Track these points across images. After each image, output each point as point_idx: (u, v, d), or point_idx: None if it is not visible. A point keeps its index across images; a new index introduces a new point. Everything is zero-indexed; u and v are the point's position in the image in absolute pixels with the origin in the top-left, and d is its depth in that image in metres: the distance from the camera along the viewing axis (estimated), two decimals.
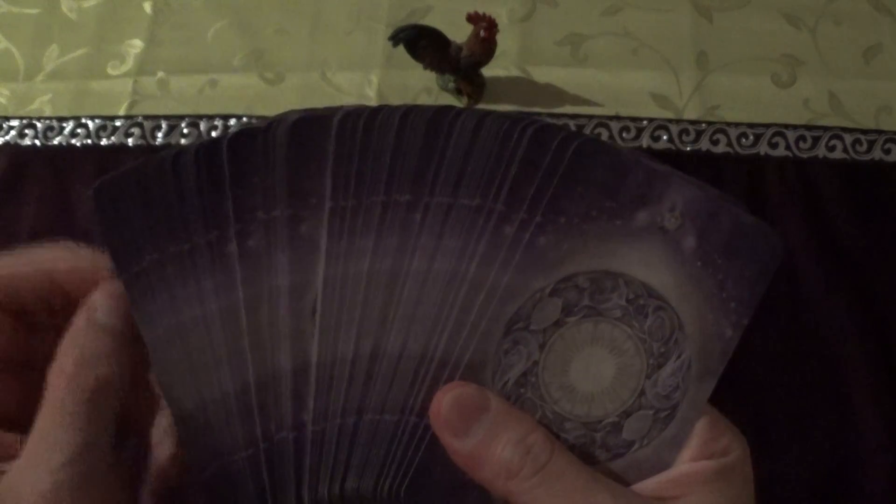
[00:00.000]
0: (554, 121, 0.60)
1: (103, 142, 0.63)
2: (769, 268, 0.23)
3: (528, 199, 0.23)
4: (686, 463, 0.24)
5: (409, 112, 0.22)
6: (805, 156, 0.59)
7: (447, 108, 0.22)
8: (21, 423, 0.23)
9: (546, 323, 0.23)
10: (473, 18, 0.57)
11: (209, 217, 0.22)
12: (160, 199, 0.22)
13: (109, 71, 0.66)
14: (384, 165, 0.22)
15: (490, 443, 0.23)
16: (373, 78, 0.64)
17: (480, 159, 0.22)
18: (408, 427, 0.24)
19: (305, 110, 0.22)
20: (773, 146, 0.59)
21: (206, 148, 0.22)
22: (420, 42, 0.58)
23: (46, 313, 0.24)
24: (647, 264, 0.23)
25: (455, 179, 0.22)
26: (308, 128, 0.22)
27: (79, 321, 0.23)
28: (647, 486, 0.24)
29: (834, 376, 0.53)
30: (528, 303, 0.23)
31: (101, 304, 0.23)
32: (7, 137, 0.64)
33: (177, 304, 0.23)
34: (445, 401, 0.23)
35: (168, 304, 0.23)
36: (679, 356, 0.24)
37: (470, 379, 0.24)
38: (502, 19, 0.61)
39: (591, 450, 0.24)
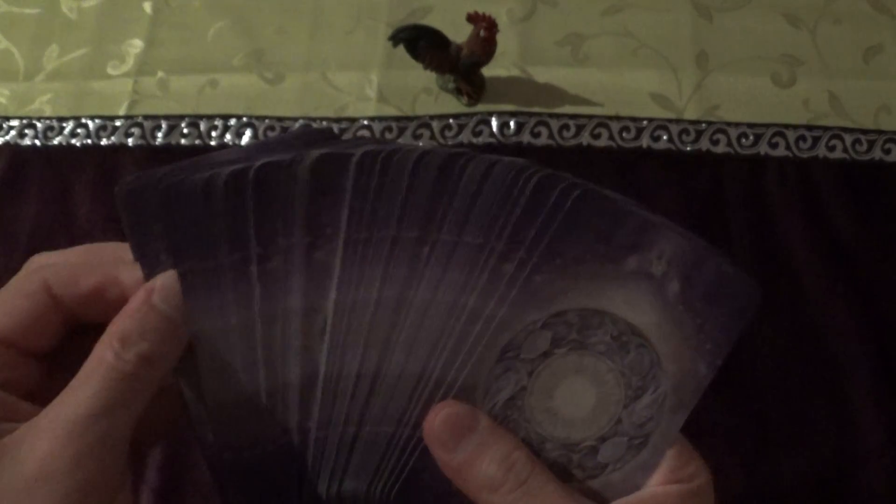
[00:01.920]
0: (554, 120, 0.60)
1: (103, 142, 0.63)
2: (746, 315, 0.25)
3: (528, 241, 0.24)
4: (654, 486, 0.25)
5: (424, 155, 0.24)
6: (805, 156, 0.59)
7: (459, 154, 0.24)
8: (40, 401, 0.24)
9: (536, 353, 0.25)
10: (473, 18, 0.57)
11: (233, 239, 0.24)
12: (189, 219, 0.24)
13: (109, 71, 0.66)
14: (396, 203, 0.24)
15: (476, 458, 0.25)
16: (373, 78, 0.64)
17: (486, 202, 0.24)
18: (402, 438, 0.26)
19: (327, 143, 0.24)
20: (773, 146, 0.59)
21: (235, 176, 0.24)
22: (420, 42, 0.58)
23: (101, 306, 0.25)
24: (633, 305, 0.25)
25: (461, 220, 0.24)
26: (328, 164, 0.24)
27: (135, 299, 0.24)
28: None
29: (834, 376, 0.53)
30: (521, 334, 0.25)
31: (159, 289, 0.24)
32: (7, 137, 0.64)
33: (198, 313, 0.24)
34: (438, 418, 0.25)
35: (191, 312, 0.24)
36: (655, 390, 0.26)
37: (462, 399, 0.25)
38: (502, 19, 0.61)
39: (569, 469, 0.26)
